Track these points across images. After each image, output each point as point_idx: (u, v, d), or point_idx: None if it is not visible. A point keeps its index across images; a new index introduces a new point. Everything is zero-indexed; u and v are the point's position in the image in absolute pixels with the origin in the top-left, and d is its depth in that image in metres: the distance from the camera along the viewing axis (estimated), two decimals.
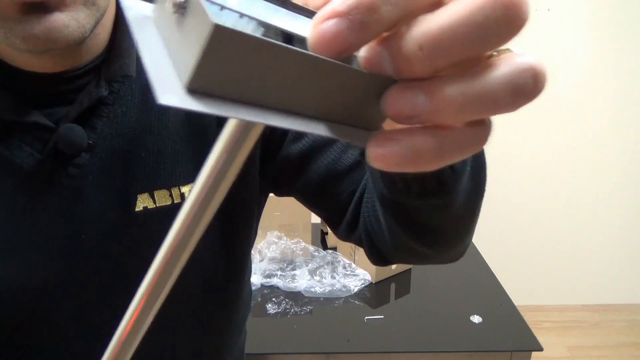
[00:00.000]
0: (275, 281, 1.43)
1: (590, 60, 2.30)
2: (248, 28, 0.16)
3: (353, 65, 0.18)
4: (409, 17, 0.17)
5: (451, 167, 0.36)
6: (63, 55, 0.44)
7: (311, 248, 1.56)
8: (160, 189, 0.49)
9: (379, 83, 0.18)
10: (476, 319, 1.28)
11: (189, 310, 0.54)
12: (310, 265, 1.50)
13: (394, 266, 1.50)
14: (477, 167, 0.40)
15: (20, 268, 0.45)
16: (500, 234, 2.49)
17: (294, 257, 1.53)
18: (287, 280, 1.43)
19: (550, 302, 2.62)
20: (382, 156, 0.18)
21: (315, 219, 1.69)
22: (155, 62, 0.16)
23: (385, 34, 0.17)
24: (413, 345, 1.20)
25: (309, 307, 1.35)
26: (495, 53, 0.18)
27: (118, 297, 0.48)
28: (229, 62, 0.15)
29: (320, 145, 0.53)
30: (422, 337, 1.24)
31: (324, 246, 1.68)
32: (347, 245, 1.53)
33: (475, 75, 0.17)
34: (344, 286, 1.41)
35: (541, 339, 1.21)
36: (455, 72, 0.17)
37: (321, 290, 1.40)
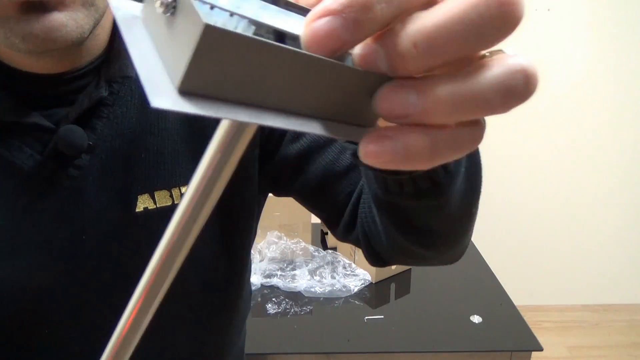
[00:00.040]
0: (275, 281, 1.43)
1: (590, 60, 2.30)
2: (239, 27, 0.16)
3: (347, 62, 0.18)
4: (404, 15, 0.17)
5: (445, 168, 0.36)
6: (63, 56, 0.44)
7: (311, 248, 1.56)
8: (161, 189, 0.49)
9: (373, 80, 0.18)
10: (476, 319, 1.28)
11: (189, 309, 0.54)
12: (310, 265, 1.50)
13: (393, 266, 1.50)
14: (472, 169, 0.40)
15: (21, 269, 0.45)
16: (500, 234, 2.49)
17: (294, 257, 1.53)
18: (287, 280, 1.43)
19: (550, 302, 2.62)
20: (374, 153, 0.18)
21: (315, 219, 1.69)
22: (146, 63, 0.16)
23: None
24: (413, 345, 1.20)
25: (309, 307, 1.35)
26: (487, 54, 0.18)
27: (118, 298, 0.48)
28: (221, 62, 0.15)
29: (318, 145, 0.53)
30: (422, 337, 1.24)
31: (324, 246, 1.68)
32: (347, 245, 1.53)
33: (467, 76, 0.17)
34: (344, 286, 1.41)
35: (541, 339, 1.21)
36: (449, 71, 0.17)
37: (321, 290, 1.40)
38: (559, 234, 2.55)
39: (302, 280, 1.43)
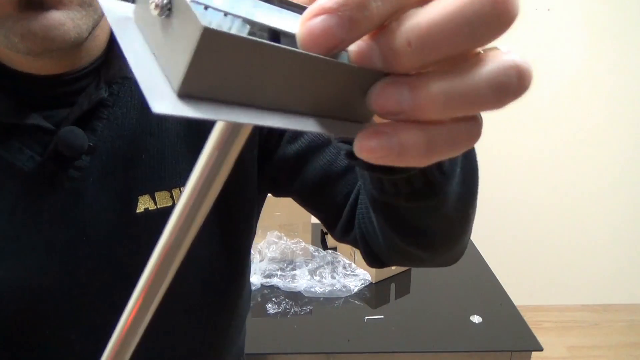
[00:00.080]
0: (275, 281, 1.43)
1: (590, 59, 2.30)
2: (234, 26, 0.16)
3: (343, 58, 0.18)
4: (399, 12, 0.17)
5: (440, 169, 0.36)
6: (62, 57, 0.44)
7: (311, 248, 1.56)
8: (161, 190, 0.49)
9: (369, 77, 0.18)
10: (476, 319, 1.28)
11: (189, 310, 0.54)
12: (310, 265, 1.50)
13: (393, 267, 1.50)
14: (469, 169, 0.40)
15: (22, 269, 0.45)
16: (500, 234, 2.50)
17: (294, 257, 1.53)
18: (287, 280, 1.43)
19: (550, 302, 2.62)
20: (369, 148, 0.18)
21: (316, 219, 1.69)
22: (142, 66, 0.16)
23: None
24: (413, 345, 1.20)
25: (309, 307, 1.35)
26: (482, 51, 0.18)
27: (119, 298, 0.48)
28: (219, 64, 0.15)
29: (316, 146, 0.53)
30: (422, 337, 1.24)
31: (324, 246, 1.68)
32: (347, 246, 1.52)
33: (460, 72, 0.17)
34: (344, 286, 1.41)
35: (541, 339, 1.21)
36: (443, 67, 0.17)
37: (321, 290, 1.40)
38: (559, 234, 2.55)
39: (302, 280, 1.43)
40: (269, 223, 1.56)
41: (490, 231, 2.41)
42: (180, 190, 0.50)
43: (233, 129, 0.18)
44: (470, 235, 0.48)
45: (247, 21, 0.16)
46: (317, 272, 1.47)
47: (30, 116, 0.43)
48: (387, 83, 0.18)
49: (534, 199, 2.50)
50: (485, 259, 1.59)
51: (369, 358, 1.19)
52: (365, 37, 0.17)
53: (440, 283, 1.46)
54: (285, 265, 1.51)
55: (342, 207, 0.53)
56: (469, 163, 0.39)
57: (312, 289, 1.40)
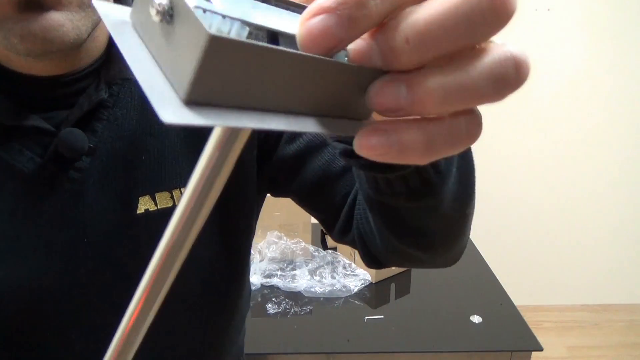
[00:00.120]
0: (275, 281, 1.44)
1: (590, 59, 2.30)
2: (233, 29, 0.16)
3: (341, 57, 0.18)
4: (398, 10, 0.17)
5: (436, 168, 0.36)
6: (62, 58, 0.44)
7: (311, 248, 1.56)
8: (162, 191, 0.49)
9: (368, 75, 0.18)
10: (476, 319, 1.28)
11: (189, 310, 0.54)
12: (310, 265, 1.50)
13: (393, 267, 1.50)
14: (465, 169, 0.40)
15: (22, 270, 0.45)
16: (500, 234, 2.50)
17: (294, 257, 1.54)
18: (287, 280, 1.43)
19: (550, 302, 2.62)
20: (368, 145, 0.18)
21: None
22: (147, 74, 0.15)
23: None
24: (413, 345, 1.20)
25: (309, 307, 1.35)
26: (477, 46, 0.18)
27: (120, 299, 0.48)
28: (224, 70, 0.15)
29: (315, 146, 0.54)
30: (422, 337, 1.24)
31: (324, 246, 1.68)
32: (347, 246, 1.53)
33: (457, 66, 0.17)
34: (344, 286, 1.41)
35: (541, 339, 1.21)
36: (441, 63, 0.17)
37: (321, 290, 1.40)
38: (559, 234, 2.55)
39: (302, 280, 1.43)
40: (269, 223, 1.56)
41: (491, 231, 2.41)
42: (180, 190, 0.50)
43: (233, 131, 0.18)
44: (468, 235, 0.48)
45: (245, 23, 0.16)
46: (317, 272, 1.47)
47: (30, 117, 0.43)
48: (385, 81, 0.18)
49: (534, 199, 2.50)
50: (485, 259, 1.59)
51: (369, 358, 1.19)
52: (364, 36, 0.17)
53: (440, 283, 1.46)
54: (285, 265, 1.51)
55: (340, 208, 0.54)
56: (465, 163, 0.39)
57: (312, 289, 1.40)
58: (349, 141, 0.37)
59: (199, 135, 0.50)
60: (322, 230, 1.78)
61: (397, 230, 0.43)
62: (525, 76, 0.17)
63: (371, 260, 0.53)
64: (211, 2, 0.16)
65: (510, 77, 0.17)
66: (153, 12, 0.15)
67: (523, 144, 2.42)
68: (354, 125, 0.20)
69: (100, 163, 0.46)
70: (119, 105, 0.47)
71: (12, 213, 0.44)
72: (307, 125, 0.18)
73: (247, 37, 0.16)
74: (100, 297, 0.49)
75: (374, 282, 1.46)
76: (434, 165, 0.36)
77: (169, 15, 0.15)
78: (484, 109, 0.20)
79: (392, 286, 1.46)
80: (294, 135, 0.54)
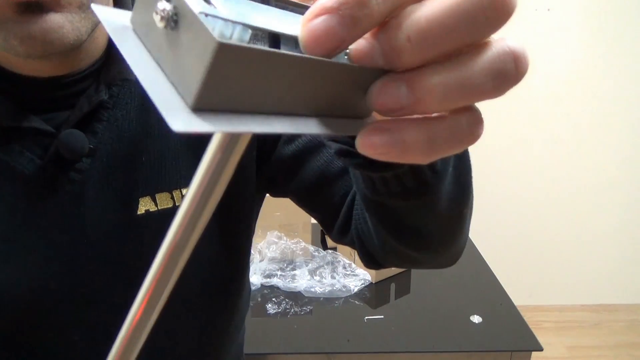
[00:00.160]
0: (275, 281, 1.44)
1: (590, 59, 2.30)
2: (235, 33, 0.16)
3: (341, 56, 0.18)
4: (399, 8, 0.17)
5: (432, 168, 0.36)
6: (61, 59, 0.44)
7: (311, 248, 1.56)
8: (162, 191, 0.49)
9: (369, 75, 0.18)
10: (476, 319, 1.28)
11: (189, 310, 0.54)
12: (310, 265, 1.50)
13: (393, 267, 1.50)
14: (461, 169, 0.39)
15: (23, 272, 0.45)
16: (500, 234, 2.50)
17: (294, 257, 1.54)
18: (287, 280, 1.43)
19: (550, 302, 2.62)
20: (371, 144, 0.18)
21: None
22: (152, 81, 0.15)
23: None
24: (413, 345, 1.20)
25: (309, 307, 1.35)
26: None
27: (121, 299, 0.48)
28: (232, 76, 0.15)
29: (314, 146, 0.54)
30: (422, 337, 1.24)
31: (324, 246, 1.68)
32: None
33: (457, 63, 0.17)
34: (344, 286, 1.41)
35: (541, 339, 1.21)
36: (441, 61, 0.17)
37: (321, 290, 1.40)
38: (559, 234, 2.55)
39: (302, 280, 1.43)
40: (269, 223, 1.56)
41: (490, 231, 2.41)
42: (180, 191, 0.50)
43: (235, 133, 0.18)
44: (467, 235, 0.48)
45: (247, 26, 0.16)
46: (317, 272, 1.47)
47: (30, 119, 0.43)
48: (385, 82, 0.18)
49: (534, 199, 2.50)
50: (485, 259, 1.60)
51: (369, 358, 1.19)
52: (366, 35, 0.17)
53: (440, 283, 1.47)
54: (285, 265, 1.51)
55: (339, 208, 0.54)
56: (462, 162, 0.39)
57: (312, 289, 1.40)
58: (343, 140, 0.37)
59: (199, 135, 0.50)
60: (322, 230, 1.78)
61: (394, 230, 0.43)
62: (524, 70, 0.17)
63: (369, 260, 0.53)
64: (214, 6, 0.16)
65: (509, 72, 0.17)
66: (157, 18, 0.15)
67: (522, 144, 2.42)
68: (356, 125, 0.20)
69: (100, 164, 0.46)
70: (119, 106, 0.47)
71: (13, 214, 0.44)
72: (311, 127, 0.18)
73: (250, 40, 0.16)
74: (101, 297, 0.49)
75: (374, 282, 1.46)
76: (430, 165, 0.36)
77: (173, 21, 0.15)
78: (483, 108, 0.20)
79: (392, 286, 1.46)
80: (293, 136, 0.54)
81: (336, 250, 1.58)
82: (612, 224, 2.53)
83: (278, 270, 1.48)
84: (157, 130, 0.49)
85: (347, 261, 1.52)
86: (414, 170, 0.35)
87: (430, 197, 0.37)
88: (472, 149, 0.33)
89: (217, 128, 0.15)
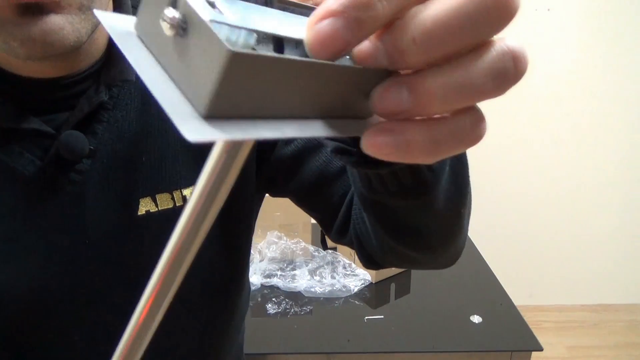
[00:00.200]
0: (275, 281, 1.44)
1: (589, 59, 2.31)
2: (240, 38, 0.16)
3: (347, 58, 0.18)
4: (404, 10, 0.17)
5: (429, 166, 0.36)
6: (62, 60, 0.43)
7: (311, 248, 1.56)
8: (162, 192, 0.49)
9: (374, 76, 0.18)
10: (476, 319, 1.28)
11: (189, 310, 0.54)
12: (310, 265, 1.50)
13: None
14: (458, 168, 0.40)
15: (24, 273, 0.45)
16: (499, 234, 2.50)
17: (294, 257, 1.54)
18: (287, 280, 1.43)
19: (550, 302, 2.63)
20: (375, 144, 0.18)
21: None
22: (162, 89, 0.15)
23: None
24: (413, 345, 1.20)
25: (309, 307, 1.35)
26: None
27: (121, 300, 0.48)
28: (242, 82, 0.15)
29: (313, 146, 0.54)
30: (422, 337, 1.24)
31: (324, 246, 1.68)
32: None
33: (457, 65, 0.17)
34: (344, 286, 1.41)
35: (541, 339, 1.22)
36: (441, 62, 0.18)
37: (321, 290, 1.40)
38: (559, 234, 2.55)
39: (302, 280, 1.43)
40: (269, 223, 1.56)
41: (490, 231, 2.41)
42: (181, 191, 0.50)
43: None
44: (465, 235, 0.48)
45: (252, 31, 0.16)
46: (317, 272, 1.47)
47: (30, 120, 0.43)
48: (387, 86, 0.18)
49: (534, 199, 2.50)
50: (485, 258, 1.60)
51: (369, 358, 1.19)
52: (371, 37, 0.18)
53: (440, 283, 1.47)
54: (285, 265, 1.51)
55: (338, 208, 0.54)
56: (459, 162, 0.39)
57: (312, 289, 1.40)
58: (339, 138, 0.37)
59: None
60: (322, 230, 1.77)
61: (392, 230, 0.43)
62: (524, 69, 0.17)
63: (368, 260, 0.53)
64: (221, 12, 0.16)
65: (509, 72, 0.17)
66: (165, 25, 0.15)
67: (522, 144, 2.42)
68: (360, 125, 0.20)
69: (100, 165, 0.46)
70: (119, 107, 0.47)
71: (13, 215, 0.44)
72: (318, 129, 0.18)
73: (255, 44, 0.17)
74: (102, 297, 0.49)
75: (374, 282, 1.46)
76: (428, 164, 0.36)
77: (182, 29, 0.15)
78: (484, 108, 0.20)
79: (392, 286, 1.47)
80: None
81: (336, 250, 1.58)
82: (612, 223, 2.53)
83: (278, 270, 1.49)
84: (157, 131, 0.49)
85: (347, 261, 1.52)
86: (411, 167, 0.36)
87: (428, 195, 0.38)
88: (471, 149, 0.33)
89: (231, 136, 0.15)
